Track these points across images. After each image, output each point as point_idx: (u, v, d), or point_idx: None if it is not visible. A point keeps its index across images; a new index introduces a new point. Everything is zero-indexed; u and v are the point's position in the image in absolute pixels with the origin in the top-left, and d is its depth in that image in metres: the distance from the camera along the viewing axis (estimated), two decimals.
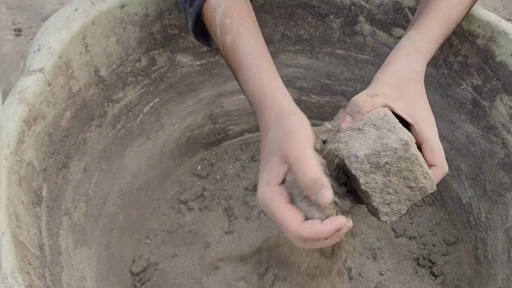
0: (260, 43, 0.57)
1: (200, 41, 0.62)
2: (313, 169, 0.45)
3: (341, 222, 0.45)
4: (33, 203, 0.52)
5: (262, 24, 0.75)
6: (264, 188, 0.48)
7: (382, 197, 0.48)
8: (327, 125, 0.54)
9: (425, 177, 0.48)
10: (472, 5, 0.65)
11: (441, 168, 0.51)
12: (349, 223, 0.46)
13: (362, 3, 0.72)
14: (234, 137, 0.94)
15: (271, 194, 0.47)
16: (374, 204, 0.49)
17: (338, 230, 0.46)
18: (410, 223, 0.85)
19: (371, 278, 0.78)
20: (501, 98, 0.67)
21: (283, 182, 0.48)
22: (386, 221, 0.51)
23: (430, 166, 0.50)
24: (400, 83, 0.54)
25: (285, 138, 0.47)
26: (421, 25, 0.60)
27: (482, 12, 0.65)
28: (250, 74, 0.55)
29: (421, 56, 0.58)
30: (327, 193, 0.44)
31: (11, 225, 0.45)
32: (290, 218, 0.46)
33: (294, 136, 0.47)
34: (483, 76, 0.68)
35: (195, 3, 0.58)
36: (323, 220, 0.45)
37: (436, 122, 0.78)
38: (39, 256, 0.50)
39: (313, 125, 0.90)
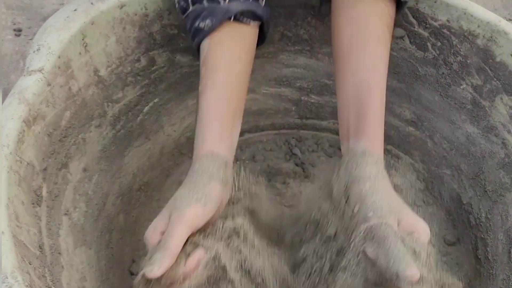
0: (220, 99, 0.59)
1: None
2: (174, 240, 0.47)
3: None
4: (33, 203, 0.52)
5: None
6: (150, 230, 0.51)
7: None
8: None
9: None
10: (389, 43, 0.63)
11: None
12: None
13: None
14: None
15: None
16: None
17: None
18: None
19: None
20: (501, 98, 0.67)
21: None
22: None
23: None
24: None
25: (179, 203, 0.51)
26: (369, 133, 0.58)
27: (482, 11, 0.66)
28: (198, 131, 0.59)
29: (382, 161, 0.57)
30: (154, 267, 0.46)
31: (11, 225, 0.45)
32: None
33: (184, 209, 0.50)
34: (483, 76, 0.68)
35: (195, 40, 0.61)
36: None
37: (436, 122, 0.78)
38: (39, 256, 0.50)
39: (312, 125, 0.91)
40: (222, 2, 0.59)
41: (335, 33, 0.63)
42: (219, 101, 0.59)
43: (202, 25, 0.59)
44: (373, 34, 0.60)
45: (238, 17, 0.60)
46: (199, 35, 0.60)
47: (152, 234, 0.50)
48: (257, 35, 0.65)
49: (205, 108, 0.58)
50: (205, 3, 0.59)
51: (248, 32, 0.63)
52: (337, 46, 0.62)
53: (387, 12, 0.61)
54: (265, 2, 0.63)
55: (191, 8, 0.60)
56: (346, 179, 0.54)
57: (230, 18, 0.60)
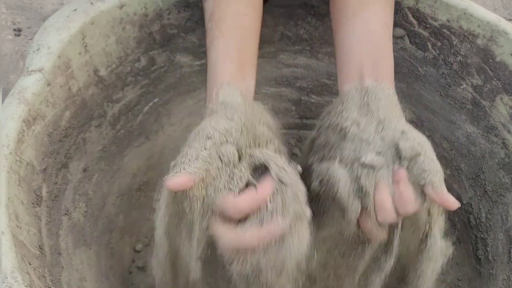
0: (229, 46, 0.57)
1: None
2: None
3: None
4: (33, 203, 0.52)
5: (261, 24, 0.75)
6: None
7: None
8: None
9: None
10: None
11: None
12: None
13: None
14: None
15: None
16: None
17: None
18: None
19: None
20: (501, 98, 0.67)
21: None
22: None
23: None
24: None
25: None
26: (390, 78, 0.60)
27: (482, 11, 0.66)
28: (209, 76, 0.56)
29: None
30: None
31: (11, 225, 0.45)
32: None
33: None
34: (483, 76, 0.68)
35: None
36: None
37: (436, 122, 0.78)
38: (39, 256, 0.50)
39: (312, 125, 0.90)
40: None
41: None
42: (229, 48, 0.57)
43: None
44: None
45: None
46: None
47: None
48: None
49: (214, 54, 0.57)
50: None
51: None
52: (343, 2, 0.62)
53: None
54: None
55: None
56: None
57: None
